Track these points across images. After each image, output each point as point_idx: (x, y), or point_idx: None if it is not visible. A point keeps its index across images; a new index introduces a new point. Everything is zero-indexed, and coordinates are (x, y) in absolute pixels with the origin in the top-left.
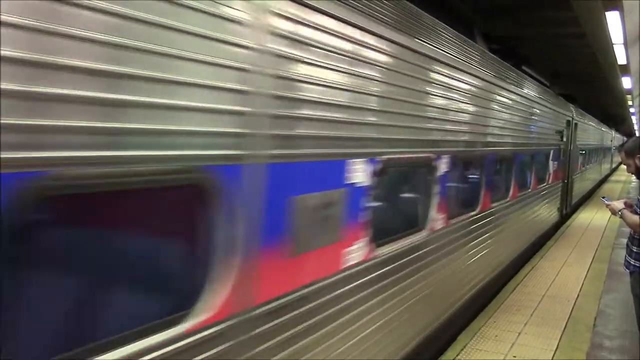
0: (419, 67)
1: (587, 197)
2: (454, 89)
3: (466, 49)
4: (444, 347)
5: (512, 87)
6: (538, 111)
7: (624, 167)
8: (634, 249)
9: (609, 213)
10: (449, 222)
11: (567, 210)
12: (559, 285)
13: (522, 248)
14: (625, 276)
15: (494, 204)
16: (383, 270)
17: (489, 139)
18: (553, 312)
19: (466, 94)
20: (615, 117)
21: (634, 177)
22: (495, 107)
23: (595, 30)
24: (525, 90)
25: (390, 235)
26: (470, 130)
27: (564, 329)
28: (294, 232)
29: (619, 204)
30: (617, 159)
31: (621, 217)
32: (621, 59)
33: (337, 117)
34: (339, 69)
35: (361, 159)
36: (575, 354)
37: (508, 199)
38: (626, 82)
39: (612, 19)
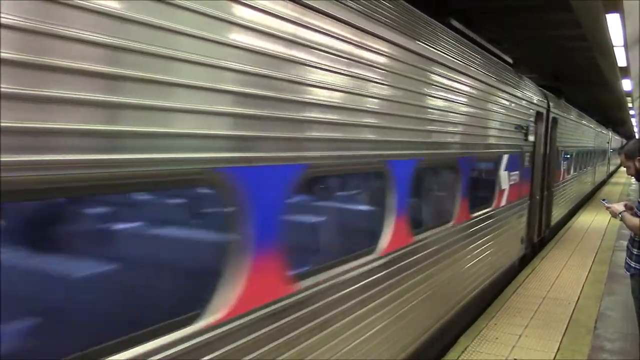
0: None
1: (578, 209)
2: None
3: None
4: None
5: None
6: (476, 93)
7: (623, 169)
8: (635, 251)
9: (609, 215)
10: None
11: (544, 234)
12: (559, 287)
13: (445, 317)
14: (625, 278)
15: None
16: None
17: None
18: (554, 314)
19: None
20: (615, 120)
21: (633, 180)
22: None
23: (595, 33)
24: (442, 59)
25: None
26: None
27: (565, 331)
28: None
29: (619, 207)
30: (615, 162)
31: (621, 219)
32: (621, 62)
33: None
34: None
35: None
36: (576, 356)
37: (377, 254)
38: (626, 85)
39: (613, 21)
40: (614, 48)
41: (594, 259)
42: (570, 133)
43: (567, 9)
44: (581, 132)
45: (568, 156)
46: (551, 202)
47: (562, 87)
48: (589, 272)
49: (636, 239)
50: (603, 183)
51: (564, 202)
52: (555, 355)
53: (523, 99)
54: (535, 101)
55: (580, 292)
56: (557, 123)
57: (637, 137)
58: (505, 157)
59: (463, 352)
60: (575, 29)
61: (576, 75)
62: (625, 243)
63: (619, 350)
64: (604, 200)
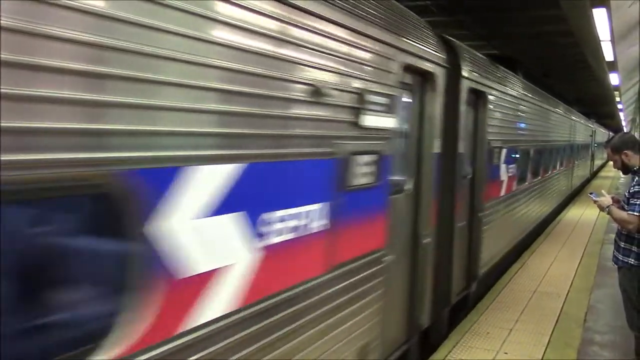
0: None
1: (540, 231)
2: None
3: None
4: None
5: None
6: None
7: (611, 163)
8: (622, 244)
9: (598, 209)
10: None
11: (466, 292)
12: (549, 281)
13: None
14: (614, 271)
15: None
16: None
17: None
18: (544, 308)
19: None
20: (603, 114)
21: (621, 173)
22: None
23: (582, 28)
24: None
25: None
26: None
27: (555, 324)
28: None
29: (607, 200)
30: (597, 161)
31: (609, 213)
32: (608, 56)
33: None
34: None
35: None
36: (567, 349)
37: None
38: (614, 79)
39: (599, 15)
40: (601, 43)
41: (583, 253)
42: (521, 121)
43: (555, 5)
44: (545, 121)
45: (517, 156)
46: (480, 235)
47: (552, 82)
48: (578, 266)
49: (623, 232)
50: (587, 182)
51: (509, 230)
52: (546, 349)
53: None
54: (400, 48)
55: (570, 286)
56: (488, 103)
57: (624, 130)
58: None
59: (454, 347)
60: (563, 24)
61: (565, 71)
62: (614, 236)
63: (608, 343)
64: (591, 194)
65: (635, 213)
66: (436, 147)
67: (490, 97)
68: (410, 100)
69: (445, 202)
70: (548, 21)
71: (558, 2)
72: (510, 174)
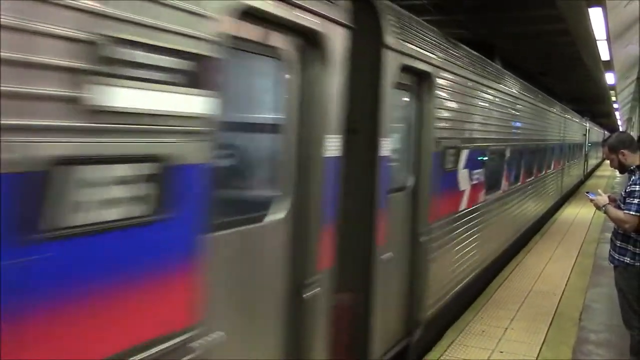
0: None
1: (515, 252)
2: None
3: None
4: None
5: None
6: None
7: (606, 162)
8: (618, 243)
9: (594, 208)
10: None
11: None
12: (545, 280)
13: None
14: (610, 270)
15: None
16: None
17: None
18: (539, 307)
19: None
20: (600, 113)
21: (617, 172)
22: None
23: (578, 27)
24: None
25: None
26: None
27: (551, 323)
28: None
29: (603, 199)
30: (592, 160)
31: (605, 212)
32: (604, 55)
33: None
34: None
35: None
36: (562, 348)
37: None
38: (609, 78)
39: (595, 15)
40: (597, 42)
41: (578, 252)
42: (495, 116)
43: (551, 4)
44: (529, 118)
45: (485, 159)
46: (423, 267)
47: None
48: (574, 265)
49: (620, 231)
50: (581, 184)
51: (473, 254)
52: (541, 348)
53: None
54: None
55: (566, 285)
56: (436, 88)
57: (620, 129)
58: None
59: (450, 345)
60: (559, 23)
61: (561, 69)
62: (609, 235)
63: (604, 342)
64: (588, 192)
65: (632, 212)
66: (331, 148)
67: (439, 80)
68: (278, 74)
69: (356, 227)
70: (544, 20)
71: (554, 2)
72: (474, 182)
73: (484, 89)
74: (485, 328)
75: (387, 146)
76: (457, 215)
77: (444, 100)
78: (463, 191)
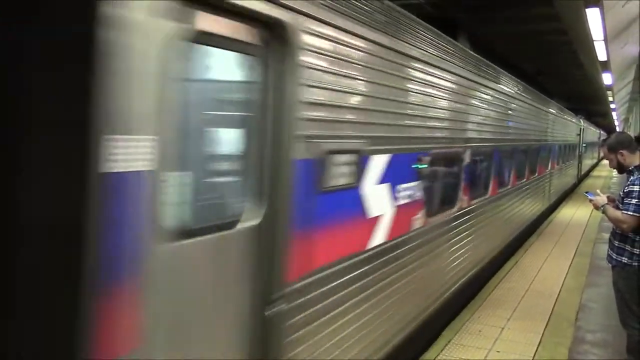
0: None
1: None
2: None
3: None
4: None
5: None
6: None
7: (604, 163)
8: (616, 243)
9: (591, 208)
10: None
11: None
12: (541, 280)
13: None
14: (606, 270)
15: None
16: None
17: None
18: (536, 306)
19: None
20: (597, 113)
21: (615, 172)
22: None
23: (576, 27)
24: None
25: None
26: None
27: (547, 323)
28: None
29: (602, 200)
30: (587, 161)
31: (604, 212)
32: (601, 55)
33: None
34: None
35: None
36: (558, 348)
37: None
38: (606, 79)
39: (593, 15)
40: (594, 42)
41: (575, 252)
42: (425, 100)
43: (548, 4)
44: (506, 113)
45: (425, 166)
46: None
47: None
48: (570, 265)
49: (618, 231)
50: (574, 188)
51: (383, 319)
52: (538, 347)
53: None
54: None
55: (562, 285)
56: (298, 49)
57: (618, 129)
58: None
59: (446, 345)
60: (556, 23)
61: (558, 69)
62: (606, 235)
63: (600, 342)
64: (587, 192)
65: (629, 212)
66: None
67: (309, 38)
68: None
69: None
70: (542, 20)
71: (552, 1)
72: (404, 202)
73: (420, 65)
74: (481, 328)
75: (168, 157)
76: (358, 258)
77: (321, 72)
78: (379, 217)
